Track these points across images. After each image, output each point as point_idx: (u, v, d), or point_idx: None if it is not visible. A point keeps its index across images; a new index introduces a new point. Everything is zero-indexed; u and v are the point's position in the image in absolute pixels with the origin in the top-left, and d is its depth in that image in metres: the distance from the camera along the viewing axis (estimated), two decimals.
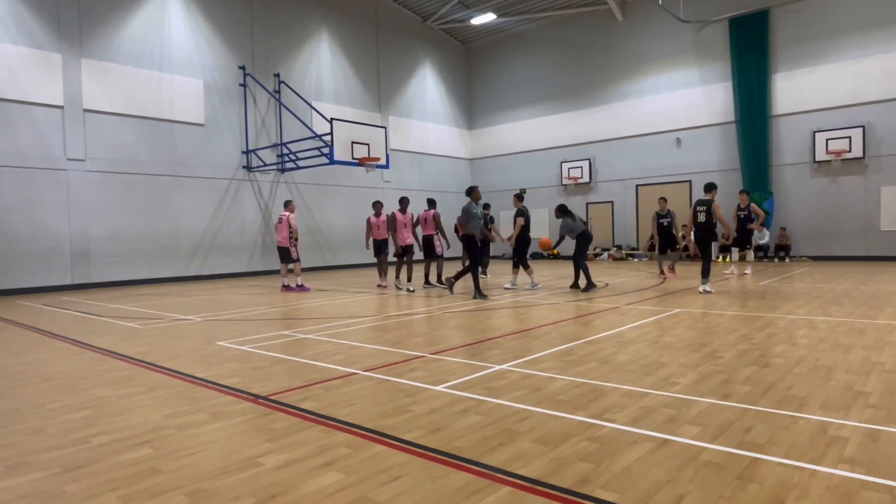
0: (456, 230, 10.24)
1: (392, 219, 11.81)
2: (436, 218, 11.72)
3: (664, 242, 12.41)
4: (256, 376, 4.62)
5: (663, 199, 12.84)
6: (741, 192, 13.34)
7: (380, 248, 12.25)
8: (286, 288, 11.97)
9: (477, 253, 10.06)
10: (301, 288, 11.88)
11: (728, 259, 16.42)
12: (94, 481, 2.67)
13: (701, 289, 9.53)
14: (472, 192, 10.09)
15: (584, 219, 11.62)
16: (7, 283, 12.76)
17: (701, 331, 6.07)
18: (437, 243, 11.70)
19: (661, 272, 12.77)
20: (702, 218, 9.58)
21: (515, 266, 11.13)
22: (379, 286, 12.15)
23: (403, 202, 11.96)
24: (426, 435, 3.15)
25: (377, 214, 12.23)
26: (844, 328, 6.02)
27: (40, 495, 2.55)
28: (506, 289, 10.94)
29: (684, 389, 3.89)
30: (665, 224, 12.30)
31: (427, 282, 11.99)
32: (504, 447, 2.93)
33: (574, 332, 6.22)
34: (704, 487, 2.42)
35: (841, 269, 13.39)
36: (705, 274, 9.56)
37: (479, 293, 9.62)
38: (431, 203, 12.12)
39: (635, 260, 19.35)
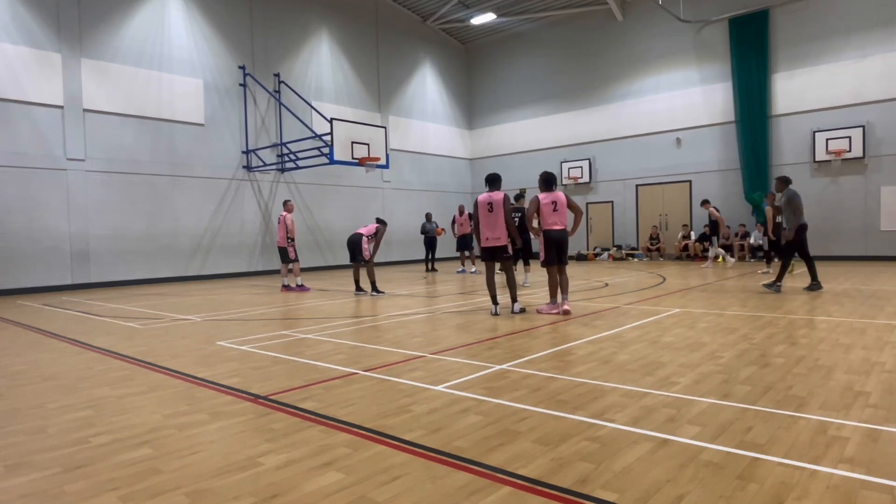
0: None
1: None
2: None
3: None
4: (256, 376, 4.62)
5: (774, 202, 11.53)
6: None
7: (464, 243, 15.38)
8: (286, 288, 11.97)
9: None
10: (301, 288, 11.88)
11: (721, 259, 16.41)
12: (94, 481, 2.67)
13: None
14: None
15: (431, 228, 13.25)
16: (7, 283, 12.76)
17: (701, 331, 6.07)
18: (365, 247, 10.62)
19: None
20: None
21: (526, 263, 12.17)
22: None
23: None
24: (426, 435, 3.15)
25: (461, 213, 15.36)
26: (844, 328, 6.02)
27: (40, 495, 2.55)
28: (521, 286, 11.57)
29: (684, 389, 3.89)
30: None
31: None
32: (504, 447, 2.93)
33: (574, 332, 6.22)
34: (704, 487, 2.42)
35: (841, 269, 13.38)
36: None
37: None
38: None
39: (635, 260, 19.35)
